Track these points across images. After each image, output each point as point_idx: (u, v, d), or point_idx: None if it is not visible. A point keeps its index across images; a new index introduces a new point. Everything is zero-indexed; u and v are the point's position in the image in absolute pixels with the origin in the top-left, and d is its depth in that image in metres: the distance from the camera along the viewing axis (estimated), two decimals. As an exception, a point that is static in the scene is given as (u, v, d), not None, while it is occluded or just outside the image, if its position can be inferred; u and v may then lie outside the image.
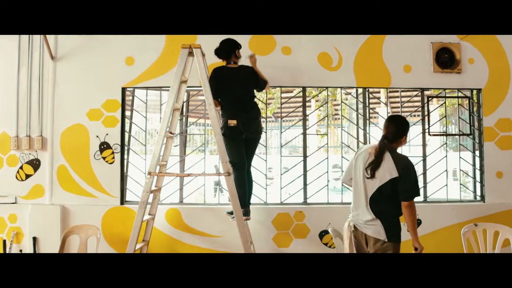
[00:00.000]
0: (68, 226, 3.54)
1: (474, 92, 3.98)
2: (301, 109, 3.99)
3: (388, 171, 2.41)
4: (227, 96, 3.23)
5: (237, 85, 3.21)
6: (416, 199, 2.50)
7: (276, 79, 3.73)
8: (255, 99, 3.39)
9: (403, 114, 4.02)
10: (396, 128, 2.49)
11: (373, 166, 2.45)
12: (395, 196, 2.45)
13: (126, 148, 3.82)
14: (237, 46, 3.32)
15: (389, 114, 2.83)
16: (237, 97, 3.22)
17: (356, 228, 2.56)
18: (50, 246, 3.54)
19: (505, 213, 3.75)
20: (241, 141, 3.29)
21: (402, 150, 3.89)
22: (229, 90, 3.21)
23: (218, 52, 3.31)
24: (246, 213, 3.22)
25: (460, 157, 3.97)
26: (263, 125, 3.47)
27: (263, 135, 3.48)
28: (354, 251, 2.53)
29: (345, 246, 2.56)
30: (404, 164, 2.43)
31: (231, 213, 3.30)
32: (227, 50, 3.28)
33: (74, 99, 3.72)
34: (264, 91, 3.55)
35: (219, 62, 3.58)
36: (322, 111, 5.11)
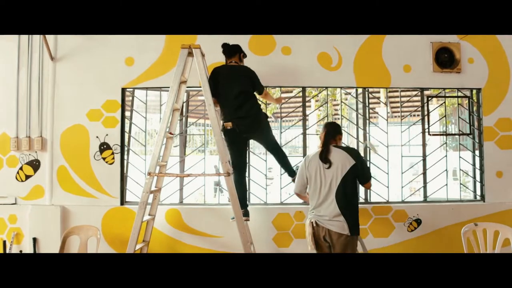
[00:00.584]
0: (68, 226, 3.54)
1: (474, 91, 3.98)
2: (301, 109, 3.99)
3: (346, 160, 2.76)
4: (223, 94, 3.23)
5: (233, 82, 3.20)
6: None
7: (276, 79, 3.73)
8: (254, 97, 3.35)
9: (403, 114, 4.03)
10: (332, 129, 2.98)
11: (325, 155, 2.80)
12: (355, 187, 2.82)
13: (126, 148, 3.82)
14: (243, 52, 3.37)
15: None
16: (232, 95, 3.19)
17: (318, 225, 2.79)
18: (50, 246, 3.54)
19: (505, 213, 3.76)
20: (241, 142, 3.30)
21: (402, 149, 3.90)
22: (225, 88, 3.21)
23: (224, 47, 3.34)
24: (246, 213, 3.23)
25: (460, 157, 3.97)
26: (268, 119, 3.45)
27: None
28: (313, 245, 2.81)
29: (307, 240, 2.84)
30: (355, 152, 2.86)
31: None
32: (233, 49, 3.32)
33: (74, 99, 3.71)
34: (276, 105, 3.60)
35: (220, 62, 3.59)
36: (322, 111, 5.09)
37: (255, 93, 3.34)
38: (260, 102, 3.45)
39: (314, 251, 2.83)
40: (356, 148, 2.90)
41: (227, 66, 3.30)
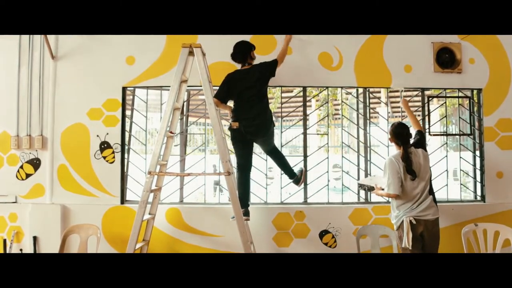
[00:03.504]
0: (69, 225, 3.54)
1: (475, 92, 3.98)
2: (301, 108, 3.99)
3: (423, 155, 3.05)
4: (237, 98, 3.28)
5: (246, 86, 3.23)
6: None
7: (276, 78, 3.71)
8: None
9: (403, 114, 4.03)
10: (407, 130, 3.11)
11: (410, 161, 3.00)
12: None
13: (126, 147, 3.82)
14: (251, 47, 3.37)
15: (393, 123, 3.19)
16: (244, 100, 3.24)
17: (417, 221, 2.93)
18: (50, 245, 3.54)
19: (506, 213, 3.75)
20: (246, 142, 3.31)
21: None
22: (239, 93, 3.25)
23: (234, 56, 3.34)
24: (246, 213, 3.24)
25: (460, 157, 3.97)
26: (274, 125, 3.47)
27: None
28: (411, 242, 2.90)
29: (409, 237, 2.91)
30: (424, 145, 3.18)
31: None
32: (243, 53, 3.32)
33: (75, 98, 3.72)
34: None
35: (220, 62, 3.59)
36: (323, 111, 5.10)
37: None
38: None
39: (409, 248, 2.91)
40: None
41: (242, 72, 3.31)
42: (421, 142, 3.17)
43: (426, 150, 3.13)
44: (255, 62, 3.39)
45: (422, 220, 2.93)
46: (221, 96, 3.25)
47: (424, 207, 2.95)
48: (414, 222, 2.91)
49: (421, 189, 2.97)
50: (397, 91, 4.05)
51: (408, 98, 4.17)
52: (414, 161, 2.98)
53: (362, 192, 3.94)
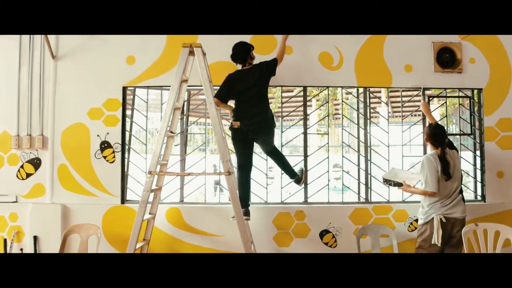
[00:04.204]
0: (69, 225, 3.54)
1: (475, 91, 3.97)
2: (301, 108, 3.99)
3: (457, 157, 3.18)
4: (237, 98, 3.29)
5: (247, 86, 3.23)
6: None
7: (276, 78, 3.71)
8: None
9: (403, 113, 4.03)
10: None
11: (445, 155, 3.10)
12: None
13: (126, 147, 3.82)
14: (250, 47, 3.37)
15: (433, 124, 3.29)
16: (245, 100, 3.25)
17: (446, 219, 3.01)
18: (50, 245, 3.54)
19: (506, 213, 3.75)
20: (247, 142, 3.31)
21: (402, 149, 3.91)
22: (240, 93, 3.25)
23: (234, 57, 3.35)
24: (246, 213, 3.24)
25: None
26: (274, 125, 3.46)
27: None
28: (440, 240, 2.99)
29: (439, 234, 3.00)
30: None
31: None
32: (242, 54, 3.33)
33: (75, 98, 3.72)
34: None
35: (221, 61, 3.59)
36: (323, 111, 5.11)
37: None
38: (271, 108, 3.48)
39: (438, 245, 3.00)
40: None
41: (243, 72, 3.31)
42: (452, 144, 3.25)
43: (458, 151, 3.23)
44: (255, 61, 3.40)
45: (451, 218, 3.03)
46: (221, 96, 3.25)
47: (453, 204, 3.05)
48: (444, 220, 3.01)
49: (454, 188, 3.07)
50: (397, 90, 4.05)
51: (408, 98, 4.17)
52: (450, 162, 3.08)
53: (363, 192, 3.93)
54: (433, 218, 3.05)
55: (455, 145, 3.29)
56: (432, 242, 3.02)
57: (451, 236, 3.07)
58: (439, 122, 3.42)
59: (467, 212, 3.12)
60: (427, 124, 3.37)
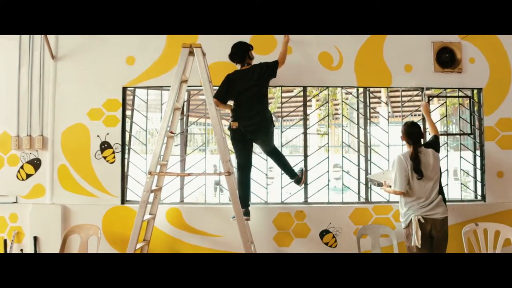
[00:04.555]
0: (69, 225, 3.55)
1: (475, 91, 3.97)
2: (301, 108, 3.99)
3: (433, 156, 3.07)
4: (236, 98, 3.28)
5: (246, 87, 3.23)
6: None
7: (276, 78, 3.71)
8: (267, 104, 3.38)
9: (403, 113, 4.03)
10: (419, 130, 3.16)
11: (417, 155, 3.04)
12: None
13: (126, 147, 3.82)
14: (249, 47, 3.37)
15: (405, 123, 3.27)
16: (244, 100, 3.24)
17: (426, 220, 2.97)
18: (50, 245, 3.54)
19: (506, 213, 3.75)
20: (246, 142, 3.31)
21: (402, 149, 3.91)
22: (239, 93, 3.25)
23: (232, 57, 3.35)
24: (246, 213, 3.24)
25: (460, 157, 3.96)
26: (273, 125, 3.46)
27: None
28: (420, 241, 2.93)
29: (418, 235, 2.95)
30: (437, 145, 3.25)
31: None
32: (240, 54, 3.32)
33: (75, 98, 3.72)
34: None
35: (220, 62, 3.58)
36: (323, 111, 5.11)
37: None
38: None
39: (418, 246, 2.95)
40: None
41: (242, 72, 3.31)
42: (434, 144, 3.23)
43: (438, 151, 3.18)
44: (254, 62, 3.40)
45: (430, 219, 2.97)
46: (220, 96, 3.25)
47: (432, 206, 2.99)
48: (422, 220, 2.95)
49: (429, 188, 3.01)
50: (397, 90, 4.05)
51: (408, 98, 4.17)
52: (422, 160, 3.02)
53: (363, 192, 3.94)
54: (411, 219, 3.01)
55: (441, 145, 3.30)
56: (412, 244, 2.98)
57: (431, 236, 3.01)
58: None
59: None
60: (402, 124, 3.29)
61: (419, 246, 2.92)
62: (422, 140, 3.18)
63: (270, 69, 3.32)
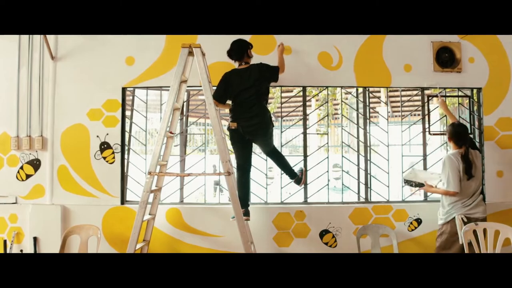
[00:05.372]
0: (69, 226, 3.54)
1: (475, 91, 3.98)
2: (301, 108, 3.99)
3: (478, 156, 3.19)
4: (234, 98, 3.26)
5: (245, 87, 3.21)
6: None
7: (276, 78, 3.73)
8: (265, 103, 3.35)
9: (403, 113, 4.03)
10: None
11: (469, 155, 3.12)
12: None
13: (126, 148, 3.82)
14: (249, 45, 3.34)
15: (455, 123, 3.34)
16: (241, 99, 3.22)
17: (468, 219, 3.05)
18: (50, 246, 3.54)
19: (506, 212, 3.75)
20: (245, 142, 3.31)
21: (402, 149, 3.91)
22: (236, 93, 3.23)
23: (230, 54, 3.32)
24: (246, 213, 3.24)
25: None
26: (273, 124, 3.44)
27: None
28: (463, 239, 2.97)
29: (462, 235, 3.00)
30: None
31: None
32: (239, 51, 3.29)
33: (75, 99, 3.71)
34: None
35: (220, 62, 3.58)
36: (322, 111, 5.11)
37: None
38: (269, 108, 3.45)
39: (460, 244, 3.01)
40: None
41: (239, 71, 3.28)
42: (474, 144, 3.30)
43: (479, 151, 3.26)
44: (253, 61, 3.38)
45: (472, 218, 3.05)
46: (218, 96, 3.24)
47: (473, 205, 3.07)
48: (465, 219, 3.03)
49: (475, 188, 3.10)
50: (396, 90, 4.05)
51: (407, 98, 4.17)
52: (472, 161, 3.09)
53: (362, 192, 3.94)
54: (454, 217, 3.07)
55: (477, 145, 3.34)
56: (460, 242, 3.02)
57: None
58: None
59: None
60: (449, 124, 3.36)
61: (463, 244, 2.97)
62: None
63: (271, 72, 3.30)
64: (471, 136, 3.36)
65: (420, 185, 3.37)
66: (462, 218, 3.04)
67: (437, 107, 4.48)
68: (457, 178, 3.05)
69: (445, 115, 4.38)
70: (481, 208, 3.11)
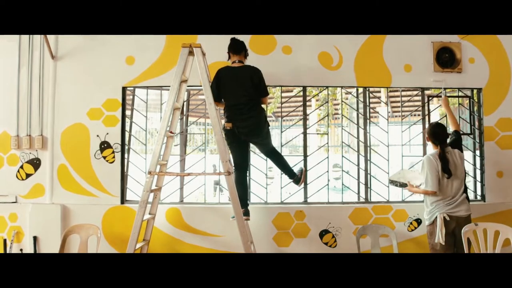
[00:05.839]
0: (69, 225, 3.54)
1: (475, 91, 3.98)
2: (301, 108, 3.99)
3: (459, 156, 3.16)
4: (227, 96, 3.23)
5: (237, 85, 3.18)
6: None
7: (276, 78, 3.73)
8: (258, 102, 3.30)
9: (403, 113, 4.03)
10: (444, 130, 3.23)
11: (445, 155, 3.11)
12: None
13: (126, 147, 3.82)
14: (246, 49, 3.33)
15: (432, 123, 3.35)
16: (235, 98, 3.19)
17: (450, 218, 3.04)
18: (50, 245, 3.54)
19: (506, 213, 3.76)
20: (241, 142, 3.30)
21: (402, 149, 3.91)
22: (229, 90, 3.20)
23: (233, 41, 3.29)
24: (246, 213, 3.23)
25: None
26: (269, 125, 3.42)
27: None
28: (443, 238, 3.01)
29: (442, 233, 3.03)
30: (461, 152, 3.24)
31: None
32: (238, 46, 3.27)
33: (75, 98, 3.71)
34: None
35: (220, 62, 3.58)
36: (322, 111, 5.10)
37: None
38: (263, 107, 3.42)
39: (442, 243, 3.02)
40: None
41: (231, 68, 3.25)
42: (457, 143, 3.28)
43: (462, 151, 3.25)
44: (253, 61, 3.37)
45: (454, 217, 3.05)
46: (214, 96, 3.19)
47: (456, 203, 3.07)
48: (447, 218, 3.03)
49: (456, 187, 3.09)
50: (396, 90, 4.05)
51: (407, 98, 4.17)
52: (450, 160, 3.09)
53: (362, 192, 3.94)
54: (436, 216, 3.08)
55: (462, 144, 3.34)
56: (436, 241, 3.04)
57: (455, 234, 3.07)
58: (440, 122, 3.43)
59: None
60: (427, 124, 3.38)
61: (443, 243, 3.00)
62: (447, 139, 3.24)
63: (259, 86, 3.21)
64: (453, 136, 3.34)
65: (403, 185, 3.39)
66: (444, 217, 3.03)
67: (437, 107, 4.49)
68: (435, 177, 3.05)
69: (445, 115, 4.38)
70: (464, 207, 3.10)
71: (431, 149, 4.07)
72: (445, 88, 3.90)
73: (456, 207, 3.07)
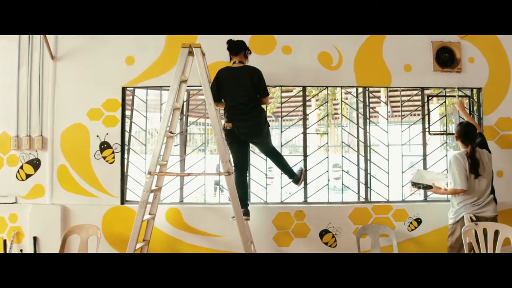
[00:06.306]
0: (69, 225, 3.54)
1: (474, 91, 3.98)
2: (301, 108, 3.99)
3: (487, 156, 3.20)
4: (227, 97, 3.24)
5: (237, 85, 3.18)
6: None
7: (276, 78, 3.73)
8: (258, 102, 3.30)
9: (403, 113, 4.03)
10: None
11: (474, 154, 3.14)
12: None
13: (126, 147, 3.82)
14: (248, 49, 3.32)
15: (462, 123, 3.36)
16: (236, 99, 3.19)
17: (477, 218, 3.06)
18: (50, 245, 3.54)
19: (506, 212, 3.75)
20: (241, 142, 3.30)
21: (402, 148, 3.91)
22: (229, 91, 3.21)
23: (230, 43, 3.27)
24: (246, 213, 3.23)
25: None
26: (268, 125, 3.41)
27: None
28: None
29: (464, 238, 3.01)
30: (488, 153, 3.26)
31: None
32: (239, 45, 3.26)
33: (74, 98, 3.71)
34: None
35: (220, 62, 3.58)
36: (322, 110, 5.10)
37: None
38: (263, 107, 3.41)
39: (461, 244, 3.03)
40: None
41: (231, 69, 3.24)
42: (484, 144, 3.30)
43: (490, 152, 3.26)
44: (254, 61, 3.37)
45: (482, 217, 3.07)
46: (214, 96, 3.19)
47: (483, 204, 3.10)
48: (474, 218, 3.05)
49: (484, 187, 3.12)
50: (396, 90, 4.05)
51: (407, 98, 4.17)
52: (479, 160, 3.11)
53: (362, 192, 3.94)
54: (463, 217, 3.09)
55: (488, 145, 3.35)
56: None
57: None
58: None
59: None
60: (457, 123, 3.39)
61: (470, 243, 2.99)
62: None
63: (259, 86, 3.21)
64: (481, 136, 3.34)
65: (428, 187, 3.37)
66: (471, 217, 3.05)
67: (437, 107, 4.49)
68: (463, 176, 3.07)
69: (445, 115, 4.39)
70: (491, 207, 3.12)
71: (431, 148, 4.10)
72: (459, 96, 3.89)
73: (483, 207, 3.09)
